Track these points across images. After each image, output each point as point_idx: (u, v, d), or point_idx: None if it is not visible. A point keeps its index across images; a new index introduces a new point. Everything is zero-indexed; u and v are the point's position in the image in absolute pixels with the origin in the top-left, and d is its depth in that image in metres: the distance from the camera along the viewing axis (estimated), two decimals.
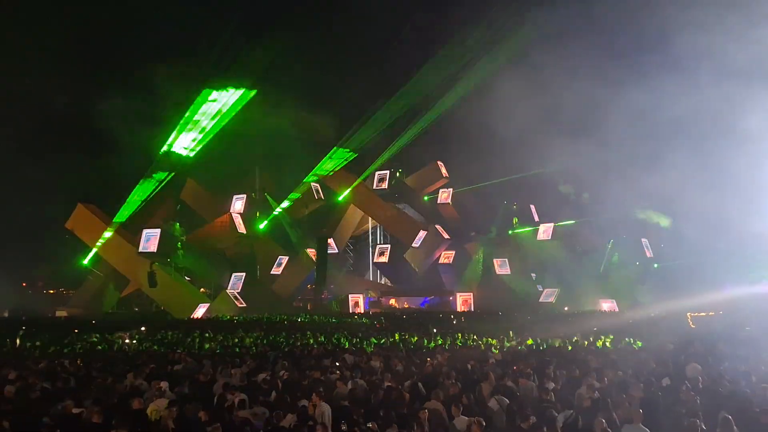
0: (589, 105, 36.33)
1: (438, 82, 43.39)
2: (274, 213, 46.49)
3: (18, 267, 46.29)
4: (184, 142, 39.43)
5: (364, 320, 33.66)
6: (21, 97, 40.39)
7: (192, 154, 40.52)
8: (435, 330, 26.08)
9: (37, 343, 22.12)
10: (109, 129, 38.31)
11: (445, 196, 53.42)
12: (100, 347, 21.74)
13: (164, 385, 11.66)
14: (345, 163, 47.91)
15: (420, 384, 12.06)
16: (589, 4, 36.35)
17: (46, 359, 16.89)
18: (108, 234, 39.54)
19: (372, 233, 57.76)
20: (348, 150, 46.54)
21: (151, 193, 40.19)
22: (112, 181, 41.94)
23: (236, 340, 23.04)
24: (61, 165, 41.10)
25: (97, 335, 24.93)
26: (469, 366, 14.18)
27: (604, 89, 34.58)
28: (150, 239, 38.46)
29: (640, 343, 19.82)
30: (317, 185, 49.50)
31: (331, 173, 49.30)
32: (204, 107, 37.70)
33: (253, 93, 38.21)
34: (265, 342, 22.21)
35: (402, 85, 42.47)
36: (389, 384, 11.82)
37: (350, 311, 43.53)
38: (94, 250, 40.39)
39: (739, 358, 14.93)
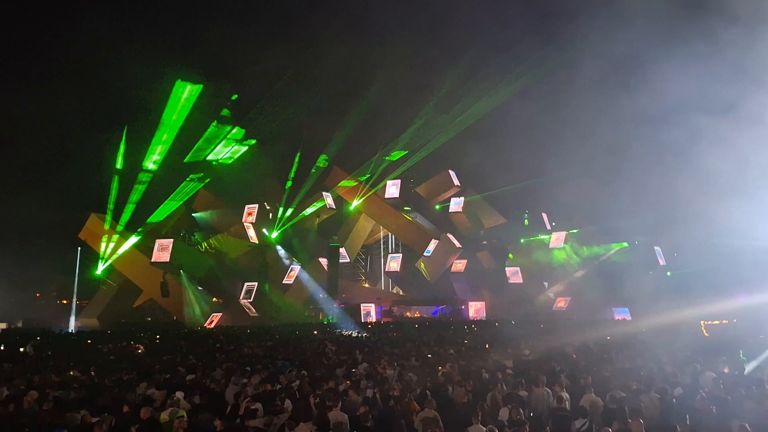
0: (592, 109, 36.33)
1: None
2: (286, 222, 46.59)
3: (32, 278, 46.56)
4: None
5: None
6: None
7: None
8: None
9: (51, 353, 22.25)
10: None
11: (456, 204, 53.33)
12: (113, 357, 21.83)
13: (179, 394, 11.70)
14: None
15: (428, 392, 12.05)
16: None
17: (59, 369, 16.98)
18: (121, 244, 39.77)
19: (384, 242, 57.69)
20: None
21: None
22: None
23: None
24: (73, 173, 41.42)
25: (111, 345, 25.05)
26: (482, 375, 14.14)
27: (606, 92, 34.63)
28: (163, 249, 38.61)
29: None
30: (329, 194, 49.55)
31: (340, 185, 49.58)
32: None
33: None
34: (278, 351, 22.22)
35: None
36: (399, 393, 11.84)
37: (362, 320, 43.46)
38: (107, 260, 40.61)
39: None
